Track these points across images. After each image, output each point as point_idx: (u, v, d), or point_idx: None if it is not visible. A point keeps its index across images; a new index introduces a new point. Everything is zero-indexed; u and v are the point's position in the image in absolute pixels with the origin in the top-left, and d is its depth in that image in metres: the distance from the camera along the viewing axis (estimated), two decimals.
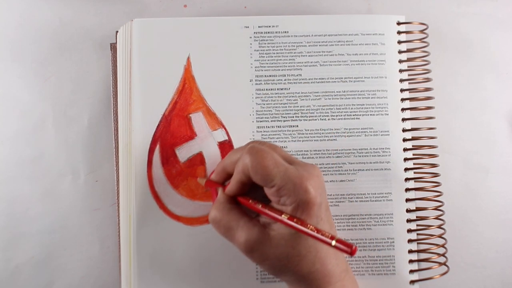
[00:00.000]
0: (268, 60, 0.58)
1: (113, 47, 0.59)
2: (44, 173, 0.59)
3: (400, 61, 0.58)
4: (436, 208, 0.56)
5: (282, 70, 0.58)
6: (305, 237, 0.44)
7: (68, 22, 0.61)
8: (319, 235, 0.42)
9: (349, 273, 0.49)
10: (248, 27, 0.58)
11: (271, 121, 0.57)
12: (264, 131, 0.57)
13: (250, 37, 0.58)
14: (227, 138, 0.57)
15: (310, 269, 0.46)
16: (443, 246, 0.56)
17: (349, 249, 0.40)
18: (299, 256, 0.45)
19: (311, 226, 0.43)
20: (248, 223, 0.46)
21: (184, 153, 0.56)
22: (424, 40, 0.58)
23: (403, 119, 0.57)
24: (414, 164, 0.57)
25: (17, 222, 0.58)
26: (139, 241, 0.55)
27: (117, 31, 0.58)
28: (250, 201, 0.48)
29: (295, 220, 0.44)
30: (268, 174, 0.44)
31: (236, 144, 0.57)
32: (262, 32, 0.58)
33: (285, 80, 0.57)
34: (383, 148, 0.57)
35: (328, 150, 0.57)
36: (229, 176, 0.50)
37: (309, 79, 0.57)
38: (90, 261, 0.58)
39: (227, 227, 0.47)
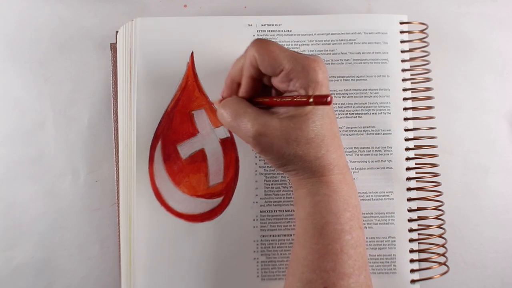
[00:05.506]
0: None
1: (113, 47, 0.59)
2: (44, 173, 0.59)
3: (403, 61, 0.58)
4: (436, 208, 0.57)
5: None
6: (312, 120, 0.45)
7: (68, 22, 0.61)
8: (297, 99, 0.44)
9: (349, 170, 0.50)
10: (251, 25, 0.58)
11: None
12: None
13: (253, 36, 0.58)
14: (229, 135, 0.57)
15: (316, 154, 0.46)
16: (443, 246, 0.56)
17: (325, 98, 0.41)
18: (307, 139, 0.45)
19: (290, 96, 0.45)
20: (256, 111, 0.46)
21: (186, 149, 0.56)
22: (424, 40, 0.58)
23: (405, 118, 0.57)
24: (415, 163, 0.57)
25: (17, 222, 0.58)
26: (139, 239, 0.55)
27: (117, 31, 0.58)
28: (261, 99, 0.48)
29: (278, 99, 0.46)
30: (275, 59, 0.45)
31: (238, 141, 0.57)
32: (265, 31, 0.58)
33: None
34: (385, 147, 0.57)
35: None
36: (239, 86, 0.50)
37: None
38: (90, 261, 0.58)
39: (234, 115, 0.47)
